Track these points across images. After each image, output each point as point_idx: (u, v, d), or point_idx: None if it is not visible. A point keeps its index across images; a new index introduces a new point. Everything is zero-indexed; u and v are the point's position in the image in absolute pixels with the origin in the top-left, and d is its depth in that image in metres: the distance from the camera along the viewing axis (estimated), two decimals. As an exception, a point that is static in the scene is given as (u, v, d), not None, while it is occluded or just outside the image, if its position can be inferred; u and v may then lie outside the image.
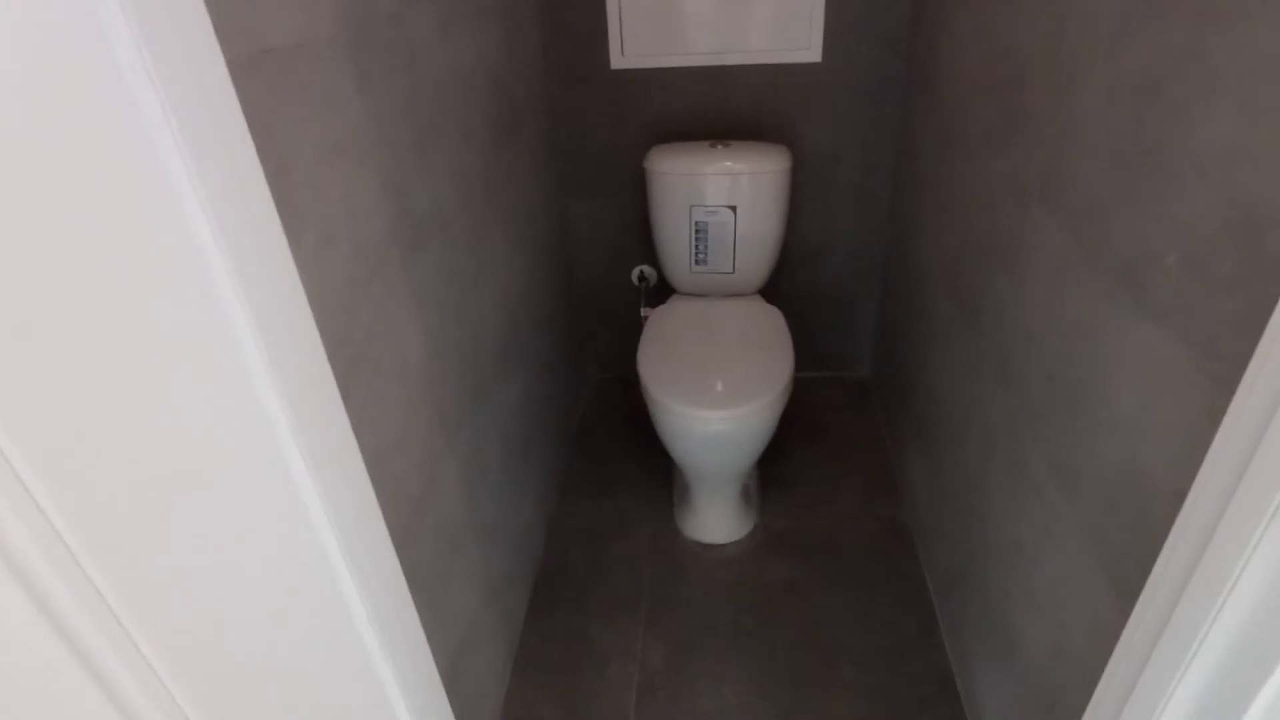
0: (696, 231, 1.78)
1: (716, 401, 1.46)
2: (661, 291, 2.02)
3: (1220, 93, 0.64)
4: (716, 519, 1.72)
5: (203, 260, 0.38)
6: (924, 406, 1.63)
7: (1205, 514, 0.55)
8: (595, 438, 2.09)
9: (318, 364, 0.47)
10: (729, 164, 1.72)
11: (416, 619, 0.65)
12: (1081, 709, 0.77)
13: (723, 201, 1.74)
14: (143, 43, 0.33)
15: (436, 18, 1.09)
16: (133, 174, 0.34)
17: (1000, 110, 1.18)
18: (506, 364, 1.43)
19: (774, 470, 1.91)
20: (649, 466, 1.94)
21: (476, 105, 1.27)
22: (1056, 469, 0.97)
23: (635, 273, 2.06)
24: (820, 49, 1.77)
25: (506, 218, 1.45)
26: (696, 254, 1.81)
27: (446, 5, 1.14)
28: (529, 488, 1.62)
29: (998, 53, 1.19)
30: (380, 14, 0.91)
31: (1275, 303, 0.55)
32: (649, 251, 1.98)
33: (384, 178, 0.91)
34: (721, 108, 1.86)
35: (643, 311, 1.94)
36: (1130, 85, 0.80)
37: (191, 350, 0.37)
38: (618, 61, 1.82)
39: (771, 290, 1.97)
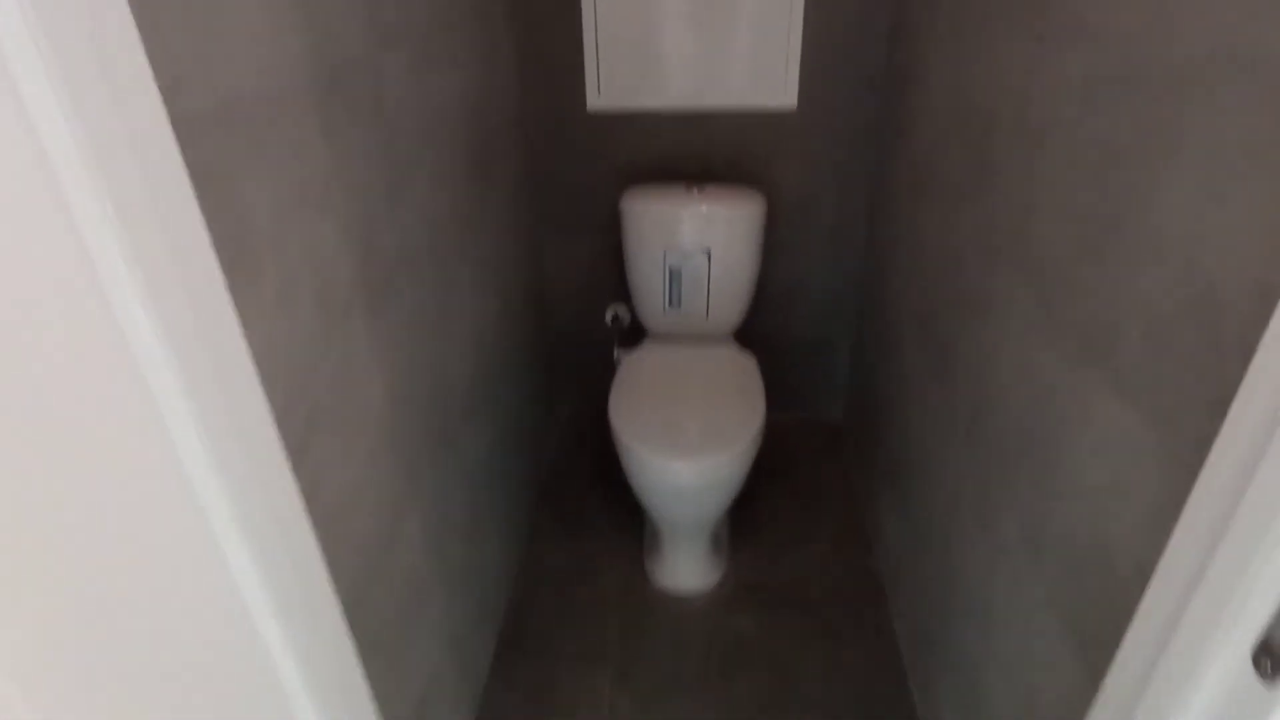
0: (671, 275, 1.78)
1: (687, 452, 1.44)
2: (635, 332, 2.02)
3: (1182, 169, 0.65)
4: (686, 567, 1.69)
5: (126, 337, 0.36)
6: (896, 455, 1.63)
7: (1171, 599, 0.55)
8: (565, 481, 2.06)
9: (264, 444, 0.45)
10: (704, 208, 1.72)
11: (369, 704, 0.62)
12: (1050, 785, 0.76)
13: (697, 245, 1.74)
14: (69, 110, 0.32)
15: (409, 59, 1.09)
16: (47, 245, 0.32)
17: (970, 164, 1.20)
18: (474, 407, 1.41)
19: (745, 516, 1.89)
20: (619, 512, 1.91)
21: (449, 145, 1.27)
22: (1025, 531, 0.97)
23: (609, 313, 2.06)
24: (796, 95, 1.79)
25: (477, 259, 1.43)
26: (670, 297, 1.81)
27: (420, 46, 1.13)
28: (496, 534, 1.58)
29: (969, 107, 1.21)
30: (351, 58, 0.90)
31: (1236, 386, 0.55)
32: (623, 291, 1.98)
33: (350, 224, 0.89)
34: (697, 150, 1.87)
35: (616, 353, 1.93)
36: (1095, 152, 0.81)
37: (110, 435, 0.35)
38: (594, 102, 1.83)
39: (746, 332, 1.97)
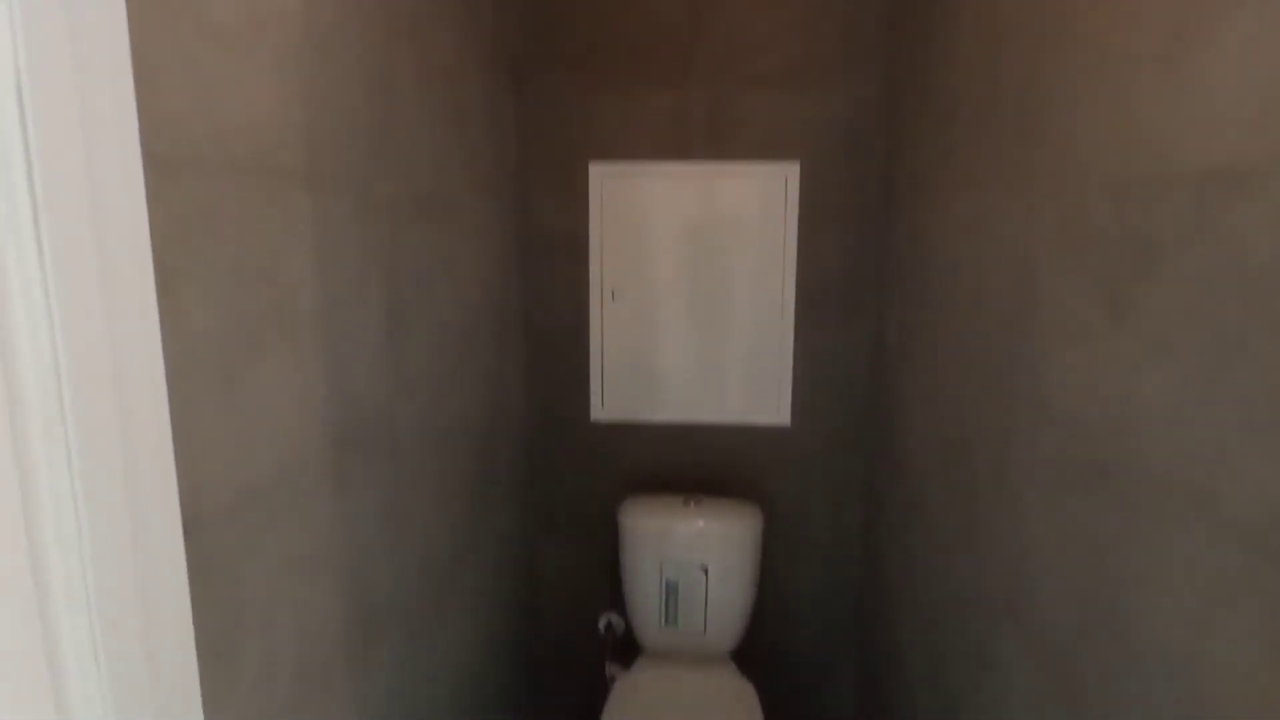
0: (667, 588, 1.74)
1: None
2: (628, 644, 1.91)
3: (1174, 589, 0.66)
4: None
5: None
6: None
7: None
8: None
9: None
10: (701, 524, 1.73)
11: None
12: None
13: (695, 561, 1.72)
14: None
15: (423, 402, 1.17)
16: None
17: (957, 507, 1.22)
18: (450, 749, 1.29)
19: None
20: None
21: (454, 468, 1.31)
22: None
23: (602, 621, 1.97)
24: (789, 413, 1.90)
25: (469, 588, 1.41)
26: (667, 613, 1.74)
27: (435, 386, 1.22)
28: None
29: (951, 445, 1.27)
30: (367, 417, 0.96)
31: None
32: (617, 599, 1.91)
33: (345, 577, 0.89)
34: (695, 462, 1.94)
35: (608, 669, 1.81)
36: (1080, 536, 0.83)
37: None
38: (598, 414, 1.94)
39: (746, 649, 1.86)
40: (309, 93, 0.79)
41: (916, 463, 1.48)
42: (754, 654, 1.93)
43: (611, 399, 1.93)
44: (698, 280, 1.86)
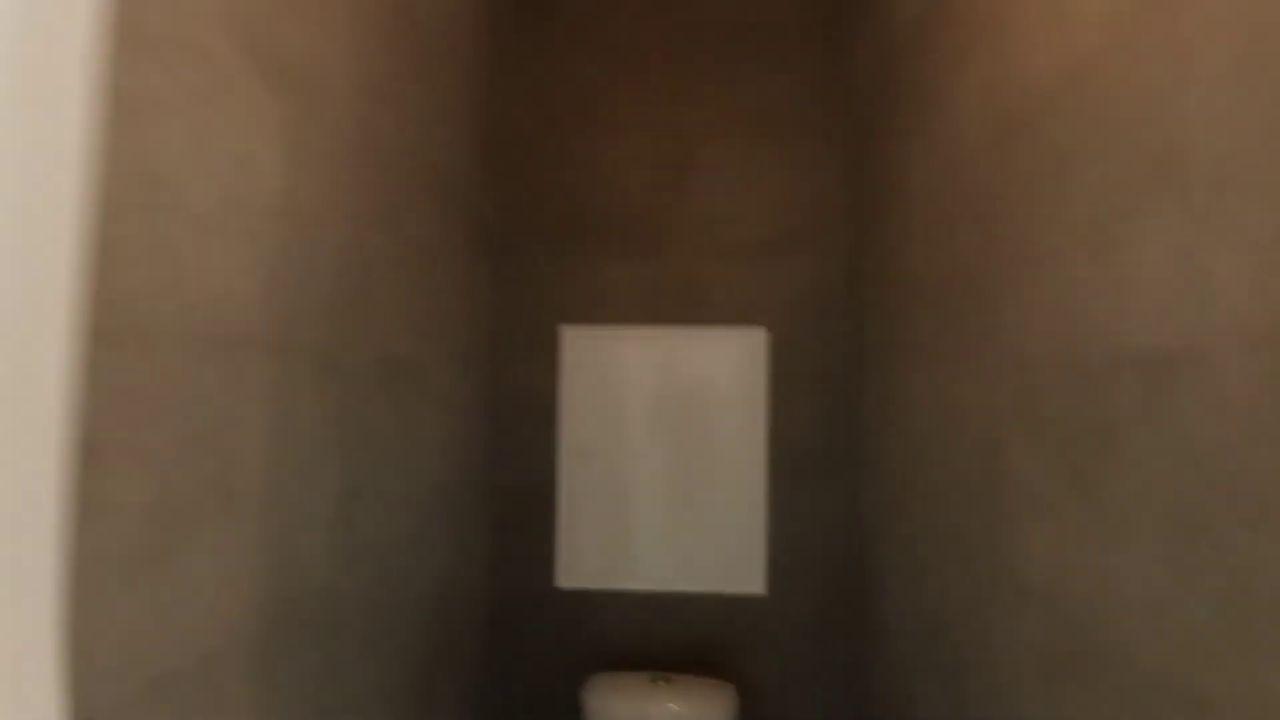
0: (635, 785, 1.57)
1: None
2: None
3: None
4: None
5: None
6: None
7: None
8: None
9: None
10: (672, 706, 1.60)
11: None
12: None
13: (664, 751, 1.57)
14: None
15: (376, 572, 1.10)
16: None
17: (945, 698, 1.15)
18: None
19: None
20: None
21: (403, 646, 1.21)
22: None
23: (563, 824, 1.76)
24: (764, 582, 1.82)
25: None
26: (634, 814, 1.56)
27: (389, 552, 1.16)
28: None
29: (933, 625, 1.21)
30: (309, 594, 0.90)
31: None
32: (581, 798, 1.72)
33: (261, 786, 0.79)
34: (666, 633, 1.82)
35: None
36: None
37: None
38: (564, 581, 1.85)
39: None
40: (279, 269, 0.81)
41: (899, 643, 1.40)
42: None
43: (578, 565, 1.85)
44: (668, 444, 1.85)
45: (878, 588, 1.54)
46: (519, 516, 1.87)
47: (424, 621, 1.32)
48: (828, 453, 1.83)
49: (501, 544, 1.86)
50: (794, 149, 1.88)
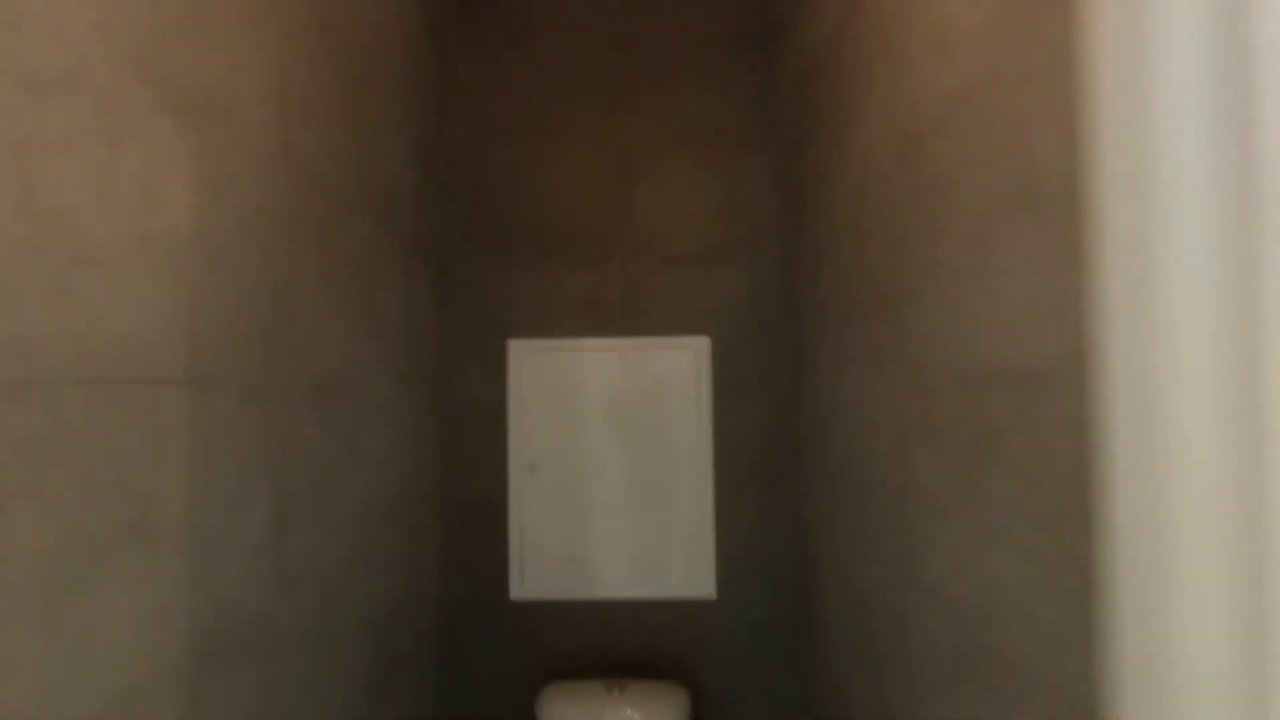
0: (589, 791, 1.59)
1: None
2: None
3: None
4: None
5: None
6: None
7: None
8: None
9: None
10: (627, 711, 1.62)
11: None
12: None
13: (617, 757, 1.59)
14: None
15: (315, 593, 1.10)
16: None
17: (873, 702, 1.18)
18: None
19: None
20: None
21: (348, 666, 1.22)
22: None
23: (523, 834, 1.77)
24: (714, 586, 1.85)
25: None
26: (589, 821, 1.58)
27: (330, 572, 1.16)
28: None
29: (862, 630, 1.25)
30: (240, 623, 0.90)
31: None
32: (539, 807, 1.73)
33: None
34: (619, 640, 1.85)
35: None
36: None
37: None
38: (517, 592, 1.86)
39: None
40: (194, 302, 0.81)
41: (838, 643, 1.45)
42: None
43: (531, 577, 1.86)
44: (617, 452, 1.88)
45: (819, 590, 1.58)
46: (471, 530, 1.87)
47: (371, 639, 1.32)
48: (772, 458, 1.87)
49: (453, 558, 1.86)
50: (729, 160, 1.91)
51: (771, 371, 1.88)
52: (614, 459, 1.88)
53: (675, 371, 1.89)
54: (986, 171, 0.70)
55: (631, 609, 1.85)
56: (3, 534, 0.55)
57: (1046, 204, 0.59)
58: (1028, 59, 0.63)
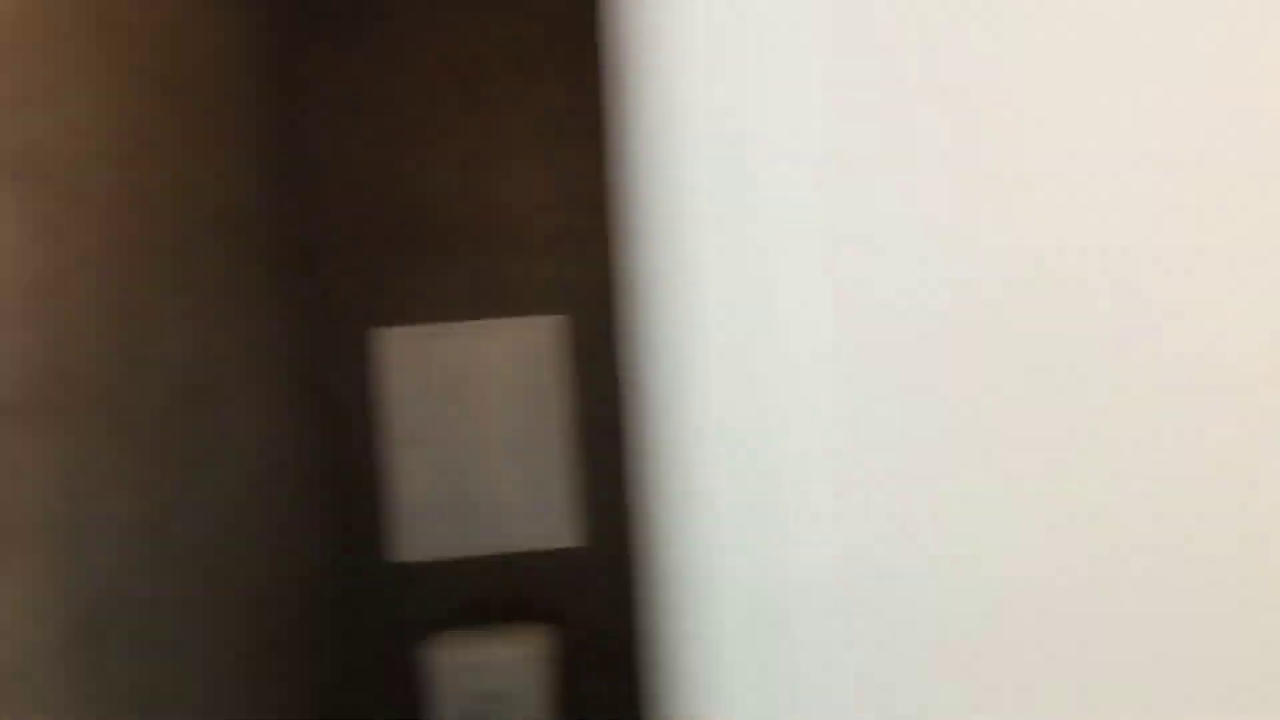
0: (468, 724, 1.81)
1: None
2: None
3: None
4: None
5: None
6: None
7: None
8: None
9: None
10: (498, 649, 1.85)
11: None
12: None
13: (499, 691, 1.82)
14: None
15: (194, 571, 1.24)
16: None
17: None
18: None
19: None
20: None
21: (231, 642, 1.36)
22: None
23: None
24: (578, 536, 2.08)
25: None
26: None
27: (205, 563, 1.30)
28: None
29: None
30: (116, 601, 1.04)
31: None
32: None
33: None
34: (495, 593, 2.06)
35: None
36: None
37: None
38: (398, 555, 2.04)
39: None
40: (32, 340, 0.93)
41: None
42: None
43: (411, 540, 2.04)
44: (485, 425, 2.05)
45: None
46: (353, 504, 2.03)
47: (256, 610, 1.47)
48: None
49: (334, 529, 2.01)
50: (575, 152, 2.07)
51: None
52: (482, 431, 2.05)
53: (536, 347, 2.06)
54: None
55: (505, 562, 2.06)
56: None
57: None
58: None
